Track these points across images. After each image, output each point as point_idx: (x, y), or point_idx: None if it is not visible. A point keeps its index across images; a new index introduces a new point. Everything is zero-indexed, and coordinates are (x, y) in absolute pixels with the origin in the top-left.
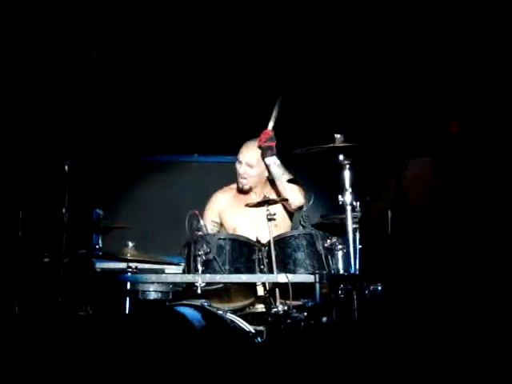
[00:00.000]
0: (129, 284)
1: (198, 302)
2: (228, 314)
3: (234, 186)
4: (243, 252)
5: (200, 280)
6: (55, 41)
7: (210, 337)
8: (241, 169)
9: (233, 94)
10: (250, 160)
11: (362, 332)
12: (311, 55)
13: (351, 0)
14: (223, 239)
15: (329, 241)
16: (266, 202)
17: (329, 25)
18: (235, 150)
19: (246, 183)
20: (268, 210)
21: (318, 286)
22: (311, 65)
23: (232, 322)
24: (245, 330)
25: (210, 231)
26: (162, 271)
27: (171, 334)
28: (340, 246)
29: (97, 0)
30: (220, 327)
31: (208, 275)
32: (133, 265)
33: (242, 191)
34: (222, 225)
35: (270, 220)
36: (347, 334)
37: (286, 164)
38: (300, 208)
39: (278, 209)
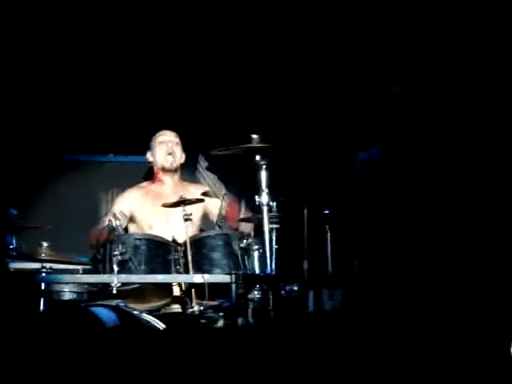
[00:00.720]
0: (43, 284)
1: (113, 303)
2: (143, 315)
3: (144, 184)
4: (159, 252)
5: (116, 280)
6: None
7: (123, 336)
8: (169, 149)
9: (146, 93)
10: (175, 139)
11: (278, 333)
12: (229, 54)
13: None
14: (139, 239)
15: (245, 241)
16: (182, 202)
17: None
18: (148, 150)
19: (174, 161)
20: (184, 211)
21: (233, 286)
22: (228, 63)
23: (147, 322)
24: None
25: (114, 223)
26: (77, 271)
27: (82, 333)
28: (256, 247)
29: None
30: (135, 327)
31: (124, 275)
32: (47, 265)
33: (152, 183)
34: (134, 222)
35: (186, 220)
36: (262, 335)
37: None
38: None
39: (194, 208)
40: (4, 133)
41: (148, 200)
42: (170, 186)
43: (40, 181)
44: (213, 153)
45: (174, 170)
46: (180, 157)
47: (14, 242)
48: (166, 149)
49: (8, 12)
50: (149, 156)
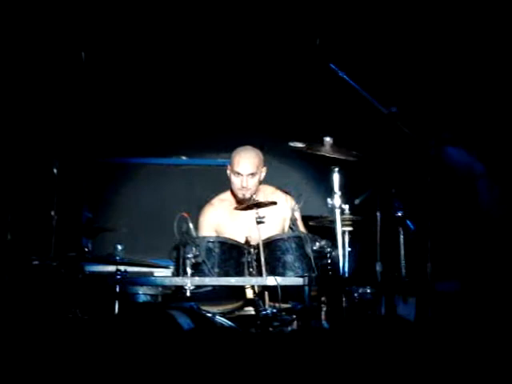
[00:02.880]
0: (118, 287)
1: (186, 305)
2: (217, 317)
3: (223, 196)
4: (232, 255)
5: (189, 283)
6: (44, 41)
7: (199, 338)
8: (243, 182)
9: (220, 98)
10: (252, 169)
11: (351, 336)
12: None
13: None
14: (212, 242)
15: (318, 243)
16: (254, 206)
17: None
18: (223, 153)
19: (248, 194)
20: (257, 213)
21: (306, 288)
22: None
23: (221, 324)
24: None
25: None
26: (151, 274)
27: (160, 334)
28: (329, 249)
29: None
30: (209, 329)
31: (197, 278)
32: (122, 268)
33: (237, 200)
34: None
35: (259, 223)
36: (336, 338)
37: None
38: None
39: (268, 212)
40: (81, 140)
41: (229, 215)
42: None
43: (115, 184)
44: (292, 145)
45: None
46: (256, 183)
47: (89, 245)
48: (240, 182)
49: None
50: (228, 171)
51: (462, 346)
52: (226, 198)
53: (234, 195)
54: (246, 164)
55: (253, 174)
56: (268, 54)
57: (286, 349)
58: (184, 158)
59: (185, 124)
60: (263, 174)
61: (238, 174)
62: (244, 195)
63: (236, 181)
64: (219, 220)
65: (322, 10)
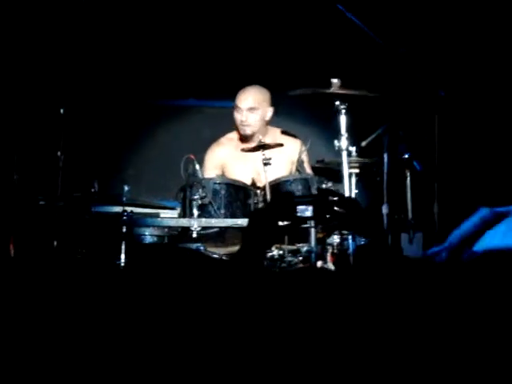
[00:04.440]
0: (124, 228)
1: (193, 246)
2: (223, 258)
3: (231, 135)
4: (239, 196)
5: (195, 224)
6: None
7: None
8: (242, 116)
9: (229, 39)
10: (251, 103)
11: (357, 279)
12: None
13: None
14: (218, 183)
15: (324, 185)
16: (261, 147)
17: None
18: (231, 95)
19: (248, 130)
20: (264, 155)
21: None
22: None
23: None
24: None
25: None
26: (157, 215)
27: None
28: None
29: None
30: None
31: (203, 219)
32: (128, 209)
33: (243, 139)
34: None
35: (265, 164)
36: (341, 281)
37: (284, 107)
38: None
39: (275, 153)
40: (86, 81)
41: (236, 154)
42: (256, 135)
43: (122, 125)
44: (291, 93)
45: (252, 134)
46: (257, 120)
47: (96, 185)
48: (240, 117)
49: None
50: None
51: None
52: (233, 137)
53: (241, 135)
54: (246, 98)
55: (252, 109)
56: None
57: (288, 288)
58: (191, 99)
59: (193, 66)
60: (269, 114)
61: (238, 108)
62: (244, 131)
63: (237, 116)
64: (225, 159)
65: None
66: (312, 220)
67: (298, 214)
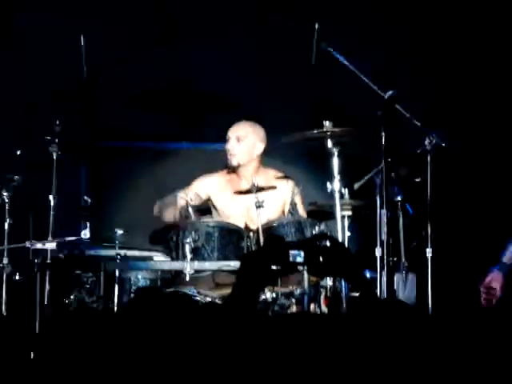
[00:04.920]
0: (117, 271)
1: (186, 290)
2: (216, 301)
3: (224, 171)
4: (232, 239)
5: (189, 267)
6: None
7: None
8: (229, 145)
9: (220, 83)
10: (239, 133)
11: (351, 323)
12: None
13: None
14: (212, 226)
15: (317, 228)
16: (254, 190)
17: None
18: (223, 138)
19: (234, 160)
20: (256, 198)
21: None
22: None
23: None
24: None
25: (190, 201)
26: (150, 258)
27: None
28: (328, 234)
29: None
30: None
31: (197, 262)
32: (121, 252)
33: (232, 172)
34: (212, 208)
35: (258, 207)
36: (335, 325)
37: (275, 151)
38: None
39: (268, 195)
40: (79, 120)
41: (227, 187)
42: (248, 174)
43: (114, 168)
44: (284, 140)
45: (241, 165)
46: (244, 151)
47: (87, 229)
48: (227, 145)
49: None
50: (231, 146)
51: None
52: (224, 172)
53: (237, 174)
54: (235, 127)
55: (239, 138)
56: (266, 41)
57: (284, 332)
58: (184, 142)
59: (184, 109)
60: (258, 147)
61: (227, 137)
62: (231, 161)
63: (226, 146)
64: (214, 191)
65: None
66: (303, 265)
67: (290, 259)
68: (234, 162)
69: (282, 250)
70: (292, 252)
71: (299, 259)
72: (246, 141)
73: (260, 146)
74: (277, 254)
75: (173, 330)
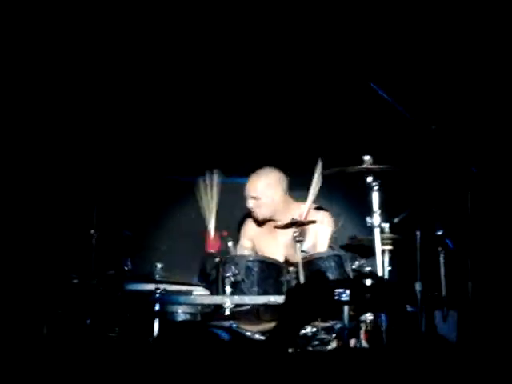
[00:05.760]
0: (157, 305)
1: (226, 324)
2: (257, 336)
3: None
4: (271, 273)
5: (228, 301)
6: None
7: (237, 351)
8: (248, 204)
9: (253, 117)
10: (253, 193)
11: (390, 357)
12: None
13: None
14: (252, 261)
15: (357, 262)
16: (293, 224)
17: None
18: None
19: (257, 215)
20: (296, 232)
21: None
22: (337, 85)
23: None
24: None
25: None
26: (190, 293)
27: (200, 348)
28: (368, 268)
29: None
30: (248, 345)
31: (236, 297)
32: (161, 286)
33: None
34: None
35: (297, 242)
36: (375, 359)
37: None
38: None
39: (306, 230)
40: (120, 153)
41: (264, 230)
42: (278, 216)
43: (155, 202)
44: (325, 173)
45: (264, 219)
46: (262, 207)
47: (129, 263)
48: (248, 205)
49: None
50: (253, 205)
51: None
52: None
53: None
54: (248, 187)
55: (256, 198)
56: (302, 72)
57: (324, 368)
58: (223, 176)
59: (221, 142)
60: (276, 197)
61: (246, 196)
62: (256, 216)
63: (247, 204)
64: (256, 231)
65: (360, 24)
66: (349, 304)
67: (336, 298)
68: (259, 217)
69: (327, 288)
70: (338, 290)
71: (345, 297)
72: (262, 198)
73: (279, 192)
74: (322, 291)
75: (211, 364)
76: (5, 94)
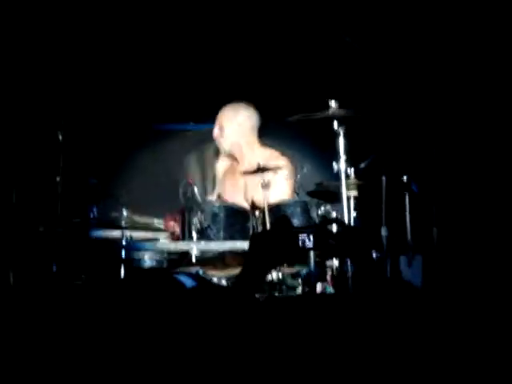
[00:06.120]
0: (123, 252)
1: (192, 270)
2: (223, 282)
3: (224, 155)
4: (238, 219)
5: (195, 248)
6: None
7: (201, 297)
8: (214, 132)
9: (225, 60)
10: (220, 121)
11: (356, 301)
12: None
13: None
14: (217, 207)
15: (323, 208)
16: (260, 170)
17: None
18: None
19: (220, 147)
20: (262, 178)
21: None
22: (306, 27)
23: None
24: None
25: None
26: (156, 239)
27: (166, 296)
28: (334, 214)
29: None
30: (213, 290)
31: (203, 243)
32: (127, 233)
33: (229, 155)
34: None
35: (264, 187)
36: (341, 304)
37: (281, 130)
38: None
39: (272, 175)
40: (85, 104)
41: (228, 175)
42: (242, 156)
43: (119, 149)
44: (289, 119)
45: (232, 151)
46: (230, 138)
47: (94, 210)
48: (214, 135)
49: None
50: (216, 134)
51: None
52: (228, 158)
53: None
54: (219, 115)
55: (221, 128)
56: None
57: (291, 313)
58: (191, 123)
59: (191, 89)
60: (241, 132)
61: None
62: (220, 149)
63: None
64: (222, 174)
65: None
66: (313, 250)
67: (300, 244)
68: (221, 149)
69: (291, 234)
70: (301, 237)
71: (309, 244)
72: (228, 129)
73: (245, 128)
74: (286, 237)
75: (176, 311)
76: None
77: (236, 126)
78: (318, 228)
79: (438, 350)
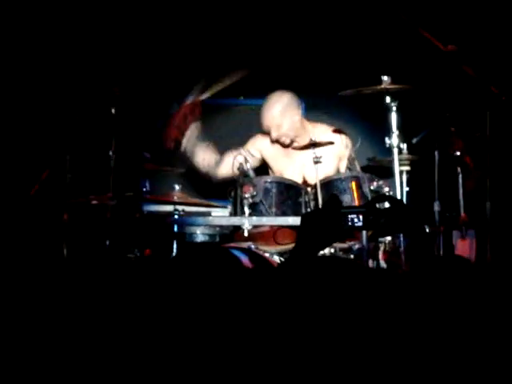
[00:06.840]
0: (176, 227)
1: (244, 245)
2: (275, 257)
3: None
4: (290, 195)
5: (247, 223)
6: None
7: (257, 276)
8: (273, 135)
9: (276, 35)
10: (273, 122)
11: (410, 279)
12: None
13: None
14: (270, 182)
15: (375, 183)
16: (312, 145)
17: None
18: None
19: (285, 141)
20: (314, 153)
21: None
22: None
23: (279, 264)
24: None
25: (245, 166)
26: (208, 214)
27: (222, 273)
28: (387, 189)
29: None
30: (267, 268)
31: (255, 218)
32: (180, 208)
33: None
34: (269, 169)
35: (316, 163)
36: (393, 279)
37: (333, 105)
38: None
39: (324, 151)
40: (138, 81)
41: (280, 152)
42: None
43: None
44: (342, 93)
45: (293, 140)
46: (289, 129)
47: (147, 185)
48: (272, 136)
49: None
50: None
51: None
52: None
53: None
54: (266, 119)
55: (278, 126)
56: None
57: (341, 288)
58: (242, 97)
59: (243, 64)
60: (296, 119)
61: (265, 126)
62: (284, 143)
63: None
64: (272, 153)
65: None
66: (363, 230)
67: (349, 224)
68: (287, 142)
69: (341, 214)
70: (351, 216)
71: (358, 224)
72: (284, 126)
73: (295, 114)
74: (335, 218)
75: (230, 285)
76: None
77: (288, 116)
78: (369, 207)
79: (493, 326)
